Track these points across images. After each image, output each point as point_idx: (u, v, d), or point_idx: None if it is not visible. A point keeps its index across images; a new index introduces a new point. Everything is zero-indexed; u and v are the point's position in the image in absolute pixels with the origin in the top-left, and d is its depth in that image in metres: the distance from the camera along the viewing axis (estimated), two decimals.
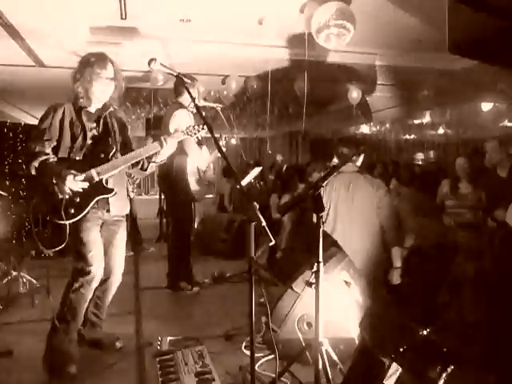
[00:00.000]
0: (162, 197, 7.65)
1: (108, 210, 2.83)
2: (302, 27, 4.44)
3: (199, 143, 4.38)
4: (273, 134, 12.08)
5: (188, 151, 4.15)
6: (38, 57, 5.28)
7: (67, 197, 2.60)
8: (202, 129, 2.80)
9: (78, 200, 2.65)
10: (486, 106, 7.82)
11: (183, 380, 2.53)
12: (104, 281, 2.92)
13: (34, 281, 4.29)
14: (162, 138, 2.80)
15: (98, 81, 2.72)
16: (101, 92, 2.77)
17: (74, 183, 2.57)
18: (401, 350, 2.36)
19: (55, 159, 2.68)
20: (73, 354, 2.75)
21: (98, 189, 2.72)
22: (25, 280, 4.29)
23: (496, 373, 2.59)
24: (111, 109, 2.91)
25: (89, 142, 2.76)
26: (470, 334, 2.98)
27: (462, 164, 4.66)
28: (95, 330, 3.06)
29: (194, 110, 4.25)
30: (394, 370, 2.24)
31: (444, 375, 2.13)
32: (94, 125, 2.82)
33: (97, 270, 2.76)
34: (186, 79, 2.48)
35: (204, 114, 2.32)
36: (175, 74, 2.40)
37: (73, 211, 2.64)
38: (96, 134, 2.81)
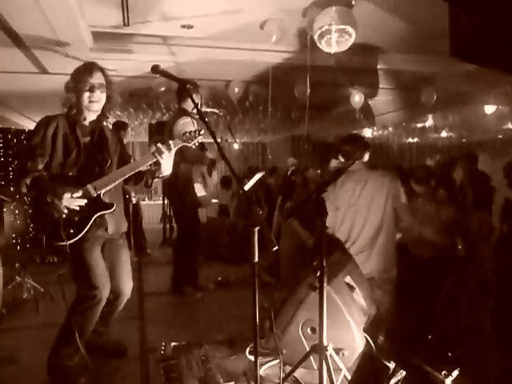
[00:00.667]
0: (166, 202, 7.66)
1: (106, 228, 2.69)
2: (304, 32, 4.46)
3: (203, 148, 4.38)
4: (275, 138, 12.09)
5: (191, 157, 4.15)
6: (42, 64, 5.31)
7: (64, 216, 2.44)
8: (199, 134, 2.66)
9: (76, 218, 2.49)
10: (489, 109, 7.81)
11: None
12: (113, 300, 2.82)
13: (39, 286, 4.29)
14: (159, 146, 2.65)
15: (86, 88, 2.60)
16: (90, 101, 2.63)
17: (72, 201, 2.44)
18: (406, 354, 2.35)
19: (48, 176, 2.52)
20: (79, 368, 2.66)
21: (97, 205, 2.56)
22: (29, 286, 4.29)
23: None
24: (106, 122, 2.82)
25: (83, 156, 2.62)
26: (473, 338, 2.96)
27: None
28: (100, 337, 3.01)
29: (197, 116, 4.26)
30: (399, 375, 2.23)
31: (449, 380, 2.13)
32: (89, 138, 2.69)
33: (102, 292, 2.62)
34: (188, 85, 2.48)
35: (207, 119, 2.33)
36: (178, 79, 2.41)
37: (72, 231, 2.48)
38: (90, 147, 2.68)
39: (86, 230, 2.52)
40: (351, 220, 3.47)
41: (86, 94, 2.60)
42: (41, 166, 2.53)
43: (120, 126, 5.88)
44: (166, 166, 2.70)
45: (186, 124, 4.13)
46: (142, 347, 3.25)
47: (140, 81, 6.10)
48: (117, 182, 2.63)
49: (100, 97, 2.65)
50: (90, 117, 2.70)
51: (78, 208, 2.46)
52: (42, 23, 3.93)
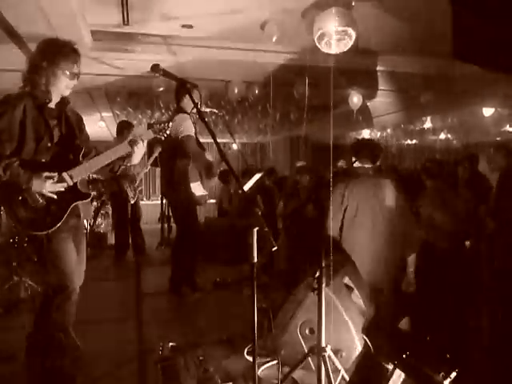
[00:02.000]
0: (164, 202, 7.65)
1: (78, 216, 2.61)
2: (303, 33, 4.46)
3: (202, 148, 4.36)
4: (275, 139, 12.09)
5: (189, 152, 4.12)
6: None
7: (40, 204, 2.37)
8: (168, 126, 2.61)
9: (53, 207, 2.41)
10: (488, 111, 7.82)
11: None
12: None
13: (36, 286, 4.27)
14: (134, 137, 2.59)
15: (65, 75, 2.46)
16: (65, 88, 2.50)
17: (48, 187, 2.36)
18: (404, 355, 2.35)
19: (18, 162, 2.34)
20: (71, 369, 2.61)
21: (74, 194, 2.49)
22: (26, 285, 4.27)
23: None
24: (70, 103, 2.64)
25: (55, 141, 2.49)
26: (472, 339, 2.97)
27: None
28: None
29: (196, 116, 4.25)
30: (397, 376, 2.23)
31: (447, 381, 2.13)
32: (56, 122, 2.54)
33: (76, 283, 2.56)
34: (187, 84, 2.47)
35: (206, 119, 2.32)
36: (177, 79, 2.40)
37: (49, 220, 2.39)
38: (59, 132, 2.53)
39: (63, 219, 2.44)
40: (353, 225, 3.41)
41: (65, 81, 2.49)
42: (8, 153, 2.34)
43: (124, 126, 5.87)
44: (137, 156, 2.63)
45: (183, 119, 4.12)
46: (139, 348, 3.24)
47: (139, 80, 6.09)
48: (92, 171, 2.57)
49: (74, 83, 2.54)
50: (56, 99, 2.55)
51: (54, 197, 2.39)
52: (42, 22, 3.91)
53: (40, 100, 2.46)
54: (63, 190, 2.43)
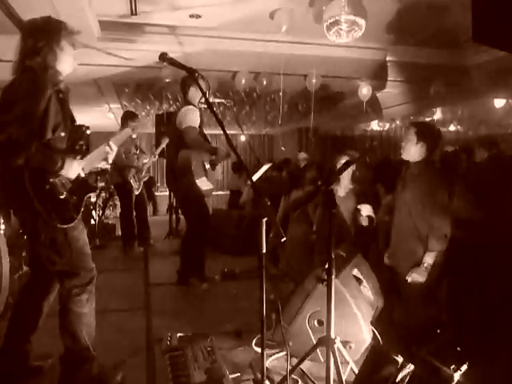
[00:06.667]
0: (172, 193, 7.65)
1: None
2: (313, 22, 4.42)
3: (204, 138, 4.33)
4: (283, 130, 12.03)
5: (188, 141, 4.08)
6: None
7: (64, 196, 2.27)
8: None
9: (73, 199, 2.32)
10: (499, 103, 7.72)
11: (193, 376, 2.52)
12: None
13: None
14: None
15: (70, 52, 2.38)
16: (70, 67, 2.41)
17: (78, 171, 2.31)
18: (413, 348, 2.33)
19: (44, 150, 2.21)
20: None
21: (86, 186, 2.45)
22: None
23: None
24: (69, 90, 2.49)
25: (68, 132, 2.38)
26: (484, 333, 2.93)
27: None
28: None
29: (204, 106, 4.22)
30: (407, 369, 2.22)
31: (458, 374, 2.10)
32: (66, 111, 2.41)
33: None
34: (196, 73, 2.45)
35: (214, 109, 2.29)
36: (186, 68, 2.37)
37: (72, 211, 2.32)
38: (69, 121, 2.42)
39: (81, 211, 2.38)
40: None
41: (69, 57, 2.39)
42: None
43: (129, 116, 5.86)
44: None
45: (189, 111, 4.09)
46: (147, 338, 3.25)
47: (147, 71, 6.06)
48: (99, 163, 2.53)
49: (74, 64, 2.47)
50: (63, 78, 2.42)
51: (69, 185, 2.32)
52: (49, 11, 3.88)
53: (55, 82, 2.31)
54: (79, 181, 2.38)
